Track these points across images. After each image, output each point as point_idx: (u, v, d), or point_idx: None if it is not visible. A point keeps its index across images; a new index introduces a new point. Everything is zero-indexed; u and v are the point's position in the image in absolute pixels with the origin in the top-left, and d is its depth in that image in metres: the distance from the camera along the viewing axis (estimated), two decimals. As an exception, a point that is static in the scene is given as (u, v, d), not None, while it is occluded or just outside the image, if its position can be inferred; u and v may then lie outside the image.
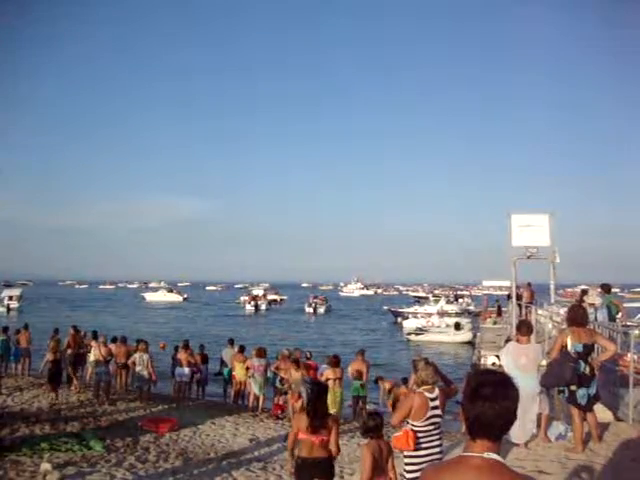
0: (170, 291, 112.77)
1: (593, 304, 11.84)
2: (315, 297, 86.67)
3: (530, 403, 7.38)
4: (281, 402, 14.26)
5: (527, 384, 7.23)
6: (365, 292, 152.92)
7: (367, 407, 14.41)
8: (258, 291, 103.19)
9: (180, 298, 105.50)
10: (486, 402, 2.10)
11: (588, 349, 7.14)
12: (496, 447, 2.13)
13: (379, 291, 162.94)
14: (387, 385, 14.73)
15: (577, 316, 7.31)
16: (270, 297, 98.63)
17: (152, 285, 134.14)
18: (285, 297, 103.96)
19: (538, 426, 7.82)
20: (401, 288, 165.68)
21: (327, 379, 12.41)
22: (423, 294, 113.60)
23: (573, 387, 7.12)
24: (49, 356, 15.33)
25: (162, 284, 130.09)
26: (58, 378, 15.16)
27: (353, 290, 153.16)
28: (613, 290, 13.15)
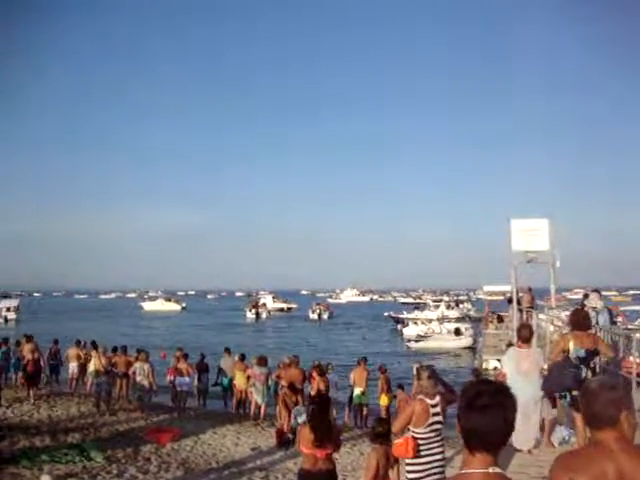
0: (168, 300, 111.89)
1: (595, 308, 11.81)
2: (318, 304, 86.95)
3: (532, 408, 7.34)
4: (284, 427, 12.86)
5: (529, 389, 7.21)
6: (360, 299, 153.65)
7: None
8: (267, 299, 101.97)
9: (178, 307, 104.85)
10: (483, 413, 2.03)
11: (591, 355, 7.09)
12: (495, 460, 2.06)
13: (375, 297, 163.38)
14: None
15: (580, 320, 7.27)
16: (278, 305, 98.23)
17: (151, 294, 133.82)
18: (294, 305, 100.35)
19: (541, 431, 7.78)
20: (396, 294, 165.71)
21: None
22: (411, 300, 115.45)
23: (575, 392, 7.09)
24: (28, 355, 16.19)
25: (159, 293, 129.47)
26: (36, 378, 16.05)
27: (342, 298, 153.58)
28: (606, 294, 13.17)
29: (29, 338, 18.88)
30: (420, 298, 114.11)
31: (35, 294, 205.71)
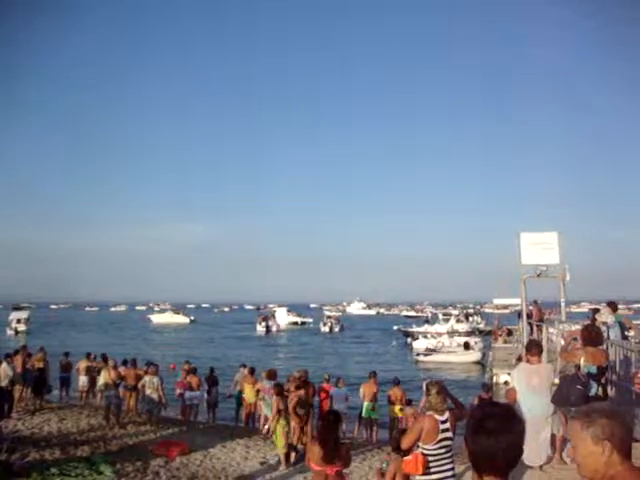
0: (177, 313, 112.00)
1: (605, 322, 11.72)
2: (329, 317, 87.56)
3: (543, 424, 7.30)
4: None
5: (540, 405, 7.17)
6: (366, 312, 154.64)
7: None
8: (280, 312, 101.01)
9: (187, 320, 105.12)
10: (490, 436, 2.02)
11: (602, 371, 7.04)
12: None
13: (381, 311, 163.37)
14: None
15: (591, 336, 7.21)
16: (292, 319, 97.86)
17: (162, 307, 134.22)
18: (309, 319, 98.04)
19: (553, 447, 7.71)
20: (402, 308, 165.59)
21: (279, 410, 11.61)
22: (413, 313, 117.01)
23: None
24: (37, 364, 17.23)
25: (168, 306, 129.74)
26: (42, 386, 16.89)
27: (347, 311, 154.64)
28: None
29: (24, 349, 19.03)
30: (422, 312, 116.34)
31: (52, 306, 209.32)
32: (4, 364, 16.24)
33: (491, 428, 2.03)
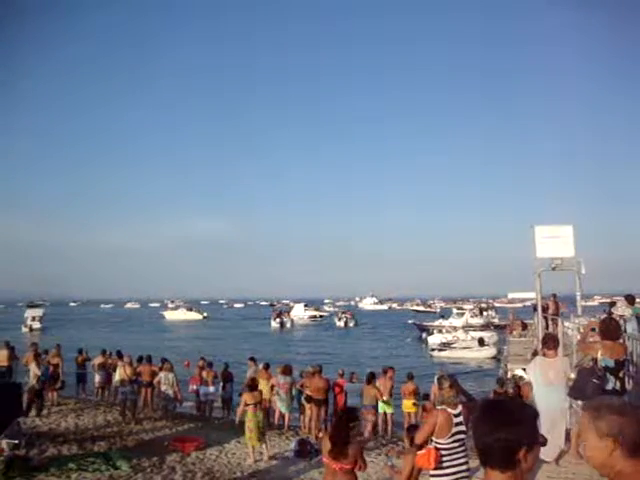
0: (190, 309, 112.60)
1: (622, 316, 11.59)
2: (343, 312, 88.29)
3: (559, 418, 7.26)
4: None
5: (555, 398, 7.12)
6: (378, 307, 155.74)
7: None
8: (298, 307, 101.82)
9: (200, 316, 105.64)
10: (494, 431, 1.99)
11: (620, 365, 6.94)
12: (517, 476, 2.02)
13: (393, 306, 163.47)
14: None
15: (610, 329, 7.12)
16: (310, 313, 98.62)
17: (176, 303, 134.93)
18: (326, 313, 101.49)
19: (568, 442, 7.66)
20: (412, 303, 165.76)
21: (246, 404, 11.58)
22: (422, 308, 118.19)
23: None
24: (52, 360, 17.70)
25: (181, 303, 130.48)
26: (55, 380, 17.21)
27: (359, 306, 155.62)
28: (619, 299, 12.92)
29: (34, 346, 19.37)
30: (430, 306, 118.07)
31: (71, 303, 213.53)
32: (33, 364, 16.38)
33: (495, 422, 2.02)
